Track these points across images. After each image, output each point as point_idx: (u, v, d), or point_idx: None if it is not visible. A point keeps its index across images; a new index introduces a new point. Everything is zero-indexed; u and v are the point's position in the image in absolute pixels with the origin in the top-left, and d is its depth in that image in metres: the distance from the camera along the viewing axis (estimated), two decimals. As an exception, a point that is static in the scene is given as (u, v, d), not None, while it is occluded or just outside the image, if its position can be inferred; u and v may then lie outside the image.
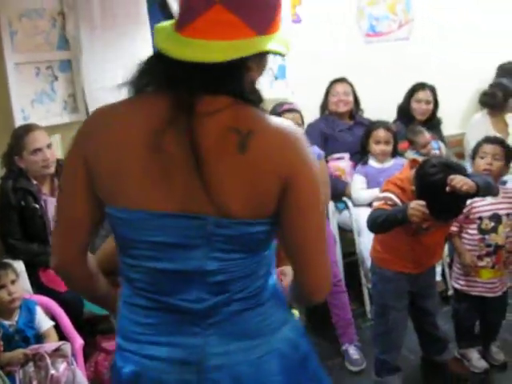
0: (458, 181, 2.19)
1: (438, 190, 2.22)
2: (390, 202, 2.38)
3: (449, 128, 4.34)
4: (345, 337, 3.12)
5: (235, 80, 1.13)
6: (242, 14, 1.09)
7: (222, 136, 1.11)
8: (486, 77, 4.46)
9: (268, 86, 3.66)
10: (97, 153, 1.16)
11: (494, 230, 2.73)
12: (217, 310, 1.21)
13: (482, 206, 2.73)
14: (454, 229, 2.78)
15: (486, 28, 4.42)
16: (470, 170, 3.82)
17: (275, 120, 1.18)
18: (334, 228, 3.52)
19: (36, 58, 3.19)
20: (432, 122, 4.03)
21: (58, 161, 2.99)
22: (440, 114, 4.13)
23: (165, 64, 1.13)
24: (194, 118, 1.10)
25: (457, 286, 2.90)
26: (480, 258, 2.77)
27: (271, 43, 1.13)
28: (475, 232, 2.76)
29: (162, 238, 1.16)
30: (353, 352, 3.07)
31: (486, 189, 2.37)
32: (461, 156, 4.36)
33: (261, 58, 1.17)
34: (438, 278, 3.58)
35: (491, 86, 4.23)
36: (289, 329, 1.30)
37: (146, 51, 3.28)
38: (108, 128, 1.16)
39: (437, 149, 3.85)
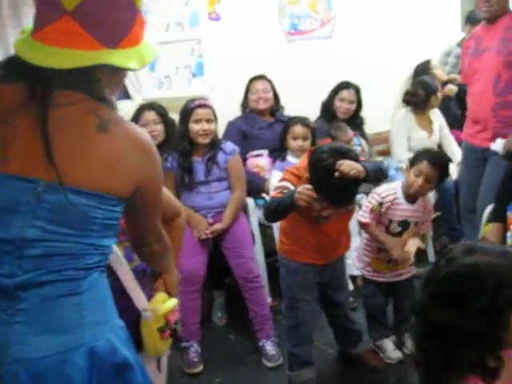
0: (345, 166, 2.19)
1: (328, 175, 2.21)
2: (285, 191, 2.36)
3: (375, 125, 4.39)
4: (262, 332, 3.09)
5: (85, 85, 1.24)
6: (88, 27, 1.19)
7: (82, 118, 1.21)
8: (406, 75, 4.54)
9: (186, 84, 3.64)
10: None
11: (399, 234, 2.79)
12: (27, 290, 1.17)
13: (397, 209, 2.77)
14: (366, 220, 2.78)
15: (408, 26, 4.50)
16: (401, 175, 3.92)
17: (132, 124, 1.33)
18: (254, 224, 3.50)
19: None
20: (354, 121, 4.06)
21: None
22: (364, 111, 4.17)
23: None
24: (47, 105, 1.19)
25: (365, 272, 2.93)
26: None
27: (119, 57, 1.22)
28: (382, 230, 2.80)
29: None
30: (269, 348, 3.04)
31: (376, 174, 2.37)
32: (387, 153, 4.42)
33: (112, 70, 1.27)
34: (359, 272, 3.58)
35: (413, 84, 4.28)
36: (109, 330, 1.27)
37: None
38: None
39: (358, 145, 3.87)
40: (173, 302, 1.72)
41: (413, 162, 2.76)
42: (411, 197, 2.77)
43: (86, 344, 1.20)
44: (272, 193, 2.51)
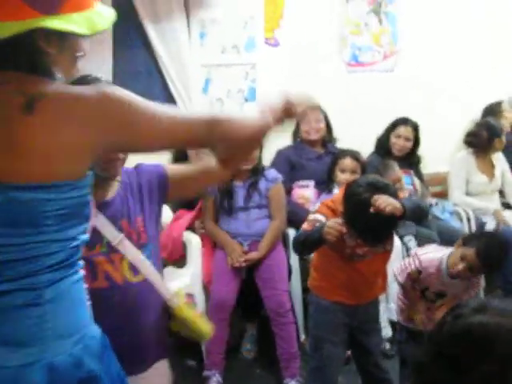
0: (381, 201, 2.04)
1: (363, 210, 2.07)
2: (317, 224, 2.23)
3: (433, 165, 4.20)
4: (287, 370, 2.95)
5: (21, 57, 1.11)
6: None
7: (5, 100, 1.07)
8: (473, 115, 4.33)
9: (237, 108, 3.59)
10: None
11: (432, 300, 2.60)
12: None
13: (437, 282, 2.54)
14: (401, 280, 2.61)
15: (476, 65, 4.31)
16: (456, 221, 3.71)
17: (76, 87, 1.15)
18: (293, 257, 3.37)
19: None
20: (410, 160, 3.89)
21: None
22: (423, 150, 4.00)
23: None
24: None
25: (399, 318, 2.75)
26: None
27: (59, 21, 1.09)
28: (417, 292, 2.61)
29: None
30: (293, 388, 2.89)
31: (415, 213, 2.20)
32: (443, 195, 4.20)
33: (59, 37, 1.14)
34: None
35: (477, 124, 4.07)
36: (74, 344, 1.16)
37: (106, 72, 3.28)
38: None
39: (410, 184, 3.70)
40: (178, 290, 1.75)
41: (465, 241, 2.50)
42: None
43: (45, 359, 1.11)
44: (304, 225, 2.38)
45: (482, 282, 3.56)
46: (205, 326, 1.73)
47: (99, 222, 1.52)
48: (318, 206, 2.41)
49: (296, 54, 3.82)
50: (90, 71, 3.13)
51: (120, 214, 1.59)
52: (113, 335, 1.31)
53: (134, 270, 1.58)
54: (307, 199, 3.50)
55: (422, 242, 3.47)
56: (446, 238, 3.49)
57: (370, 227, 2.13)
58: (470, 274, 2.45)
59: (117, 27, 3.19)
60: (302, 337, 3.28)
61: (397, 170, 3.56)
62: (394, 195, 2.16)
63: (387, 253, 2.48)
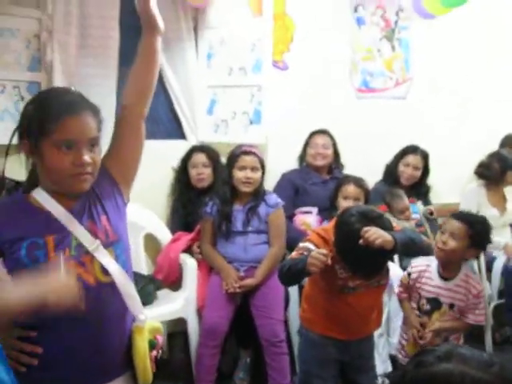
0: (371, 233, 1.96)
1: (353, 242, 1.99)
2: (305, 253, 2.15)
3: (443, 196, 4.09)
4: (279, 403, 2.84)
5: None
6: None
7: None
8: (485, 145, 4.21)
9: (242, 130, 3.54)
10: None
11: (427, 313, 2.51)
12: None
13: (427, 284, 2.52)
14: (402, 294, 2.60)
15: (491, 94, 4.22)
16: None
17: None
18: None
19: (3, 76, 3.17)
20: (418, 188, 3.80)
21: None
22: (433, 179, 3.91)
23: None
24: None
25: (399, 356, 2.66)
26: None
27: None
28: (414, 306, 2.55)
29: None
30: (285, 422, 2.79)
31: (407, 246, 2.10)
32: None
33: None
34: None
35: (489, 156, 3.95)
36: None
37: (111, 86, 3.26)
38: None
39: (417, 213, 3.60)
40: (159, 324, 1.68)
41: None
42: (446, 272, 2.49)
43: None
44: (293, 253, 2.30)
45: (488, 289, 3.45)
46: (148, 368, 1.59)
47: (74, 228, 1.51)
48: (310, 234, 2.33)
49: (305, 77, 3.77)
50: (95, 87, 3.17)
51: (85, 216, 1.56)
52: (84, 340, 1.45)
53: (105, 270, 1.55)
54: (309, 226, 3.42)
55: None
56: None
57: (359, 259, 2.05)
58: (455, 247, 2.40)
59: (123, 45, 3.22)
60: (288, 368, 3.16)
61: (405, 199, 3.48)
62: (388, 227, 2.09)
63: (382, 287, 2.39)
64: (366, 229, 1.98)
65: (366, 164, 3.73)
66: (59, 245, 1.49)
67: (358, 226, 2.02)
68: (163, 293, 3.20)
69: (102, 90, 3.20)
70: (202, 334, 2.95)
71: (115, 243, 1.57)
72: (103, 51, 3.29)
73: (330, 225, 2.29)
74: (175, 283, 3.23)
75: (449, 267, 2.50)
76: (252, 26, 3.47)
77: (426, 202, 3.86)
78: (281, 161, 3.63)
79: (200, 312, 3.05)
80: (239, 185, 3.06)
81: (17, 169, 1.65)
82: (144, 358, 1.58)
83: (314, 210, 3.47)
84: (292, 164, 3.74)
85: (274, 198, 3.13)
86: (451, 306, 2.48)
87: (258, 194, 3.11)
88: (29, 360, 1.49)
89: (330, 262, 1.98)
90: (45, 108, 1.47)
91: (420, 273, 2.52)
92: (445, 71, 4.12)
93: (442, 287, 2.48)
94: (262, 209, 3.08)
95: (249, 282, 2.98)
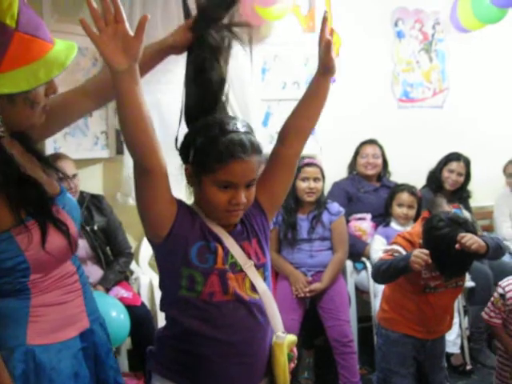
0: (467, 239, 2.15)
1: (445, 245, 2.19)
2: (396, 254, 2.35)
3: (480, 199, 4.29)
4: (350, 400, 3.01)
5: None
6: None
7: None
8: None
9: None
10: None
11: None
12: None
13: None
14: (492, 320, 2.60)
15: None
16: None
17: None
18: (350, 287, 3.46)
19: (73, 93, 3.30)
20: (461, 194, 3.98)
21: (81, 193, 3.06)
22: (471, 184, 4.09)
23: None
24: None
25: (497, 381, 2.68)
26: None
27: None
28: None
29: None
30: (355, 417, 2.96)
31: (496, 251, 2.32)
32: (490, 229, 4.28)
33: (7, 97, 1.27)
34: (457, 350, 3.46)
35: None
36: None
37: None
38: None
39: (462, 218, 3.77)
40: (294, 337, 1.70)
41: None
42: None
43: None
44: (382, 254, 2.49)
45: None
46: (285, 382, 1.64)
47: (231, 246, 1.57)
48: (395, 238, 2.52)
49: (351, 90, 3.94)
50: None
51: (241, 237, 1.62)
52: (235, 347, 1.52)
53: (254, 288, 1.60)
54: (364, 231, 3.60)
55: (474, 275, 3.56)
56: (497, 272, 3.57)
57: (452, 262, 2.24)
58: None
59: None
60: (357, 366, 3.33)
61: (446, 208, 3.64)
62: (474, 232, 2.27)
63: (458, 289, 2.57)
64: (462, 234, 2.17)
65: (408, 170, 3.92)
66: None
67: (449, 230, 2.22)
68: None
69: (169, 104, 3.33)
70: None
71: (265, 265, 1.65)
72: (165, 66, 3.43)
73: (414, 229, 2.49)
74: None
75: None
76: (305, 41, 3.64)
77: (466, 207, 4.03)
78: (331, 170, 3.79)
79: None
80: (303, 195, 3.23)
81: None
82: (284, 371, 1.64)
83: (368, 216, 3.65)
84: (342, 173, 3.90)
85: (336, 207, 3.31)
86: None
87: (320, 202, 3.28)
88: None
89: (430, 260, 2.18)
90: (213, 146, 1.44)
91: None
92: (479, 81, 4.31)
93: None
94: (325, 217, 3.26)
95: (317, 286, 3.15)
